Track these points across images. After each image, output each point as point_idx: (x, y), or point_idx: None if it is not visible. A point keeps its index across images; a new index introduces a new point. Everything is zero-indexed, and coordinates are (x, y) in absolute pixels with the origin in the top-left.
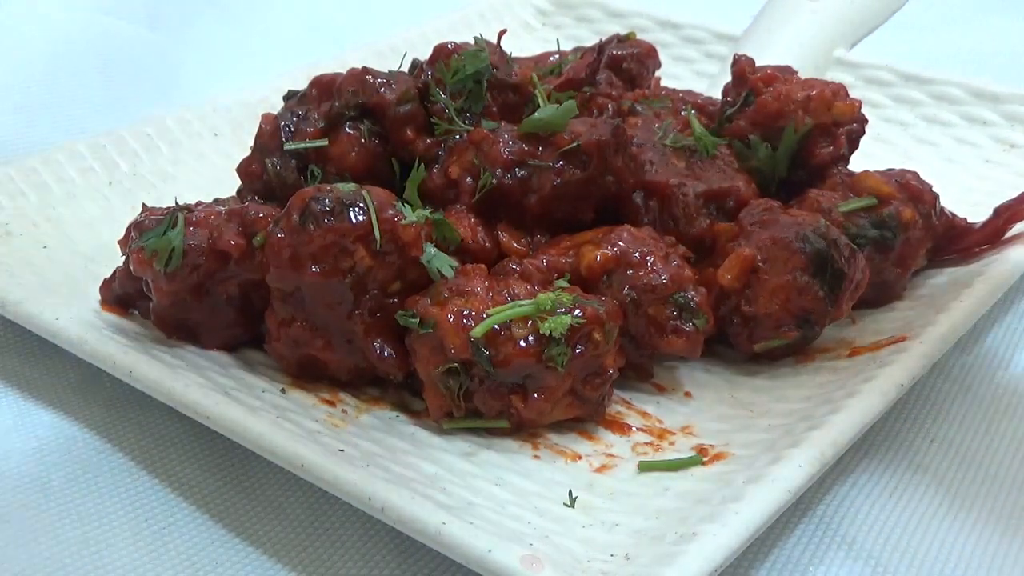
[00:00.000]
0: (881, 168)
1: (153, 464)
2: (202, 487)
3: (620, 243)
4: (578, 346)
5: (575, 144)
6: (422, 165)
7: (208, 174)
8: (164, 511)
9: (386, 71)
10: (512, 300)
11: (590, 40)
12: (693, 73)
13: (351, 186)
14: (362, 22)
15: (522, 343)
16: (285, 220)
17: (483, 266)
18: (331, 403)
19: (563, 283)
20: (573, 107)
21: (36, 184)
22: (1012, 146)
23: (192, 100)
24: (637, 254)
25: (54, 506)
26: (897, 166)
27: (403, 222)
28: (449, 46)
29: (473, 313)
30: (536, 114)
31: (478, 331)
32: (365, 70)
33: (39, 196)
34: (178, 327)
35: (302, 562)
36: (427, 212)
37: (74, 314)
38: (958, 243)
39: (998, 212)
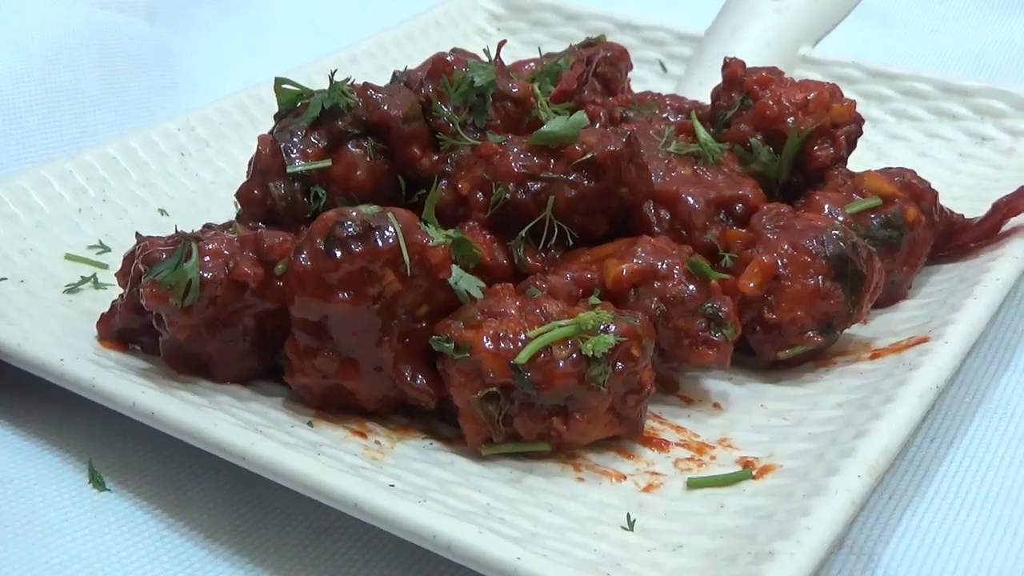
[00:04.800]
0: (858, 168)
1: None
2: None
3: (643, 255)
4: (618, 363)
5: (589, 156)
6: (440, 183)
7: (178, 196)
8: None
9: (384, 85)
10: (546, 319)
11: (548, 44)
12: (656, 75)
13: (374, 208)
14: (361, 18)
15: (562, 364)
16: (308, 246)
17: (511, 285)
18: (362, 434)
19: (595, 299)
20: (584, 119)
21: (4, 215)
22: (984, 139)
23: (192, 95)
24: (663, 265)
25: None
26: (872, 163)
27: (431, 244)
28: (448, 58)
29: (511, 335)
30: (547, 126)
31: (523, 356)
32: (367, 86)
33: (7, 227)
34: (189, 362)
35: None
36: (448, 232)
37: (78, 353)
38: (956, 240)
39: (997, 207)
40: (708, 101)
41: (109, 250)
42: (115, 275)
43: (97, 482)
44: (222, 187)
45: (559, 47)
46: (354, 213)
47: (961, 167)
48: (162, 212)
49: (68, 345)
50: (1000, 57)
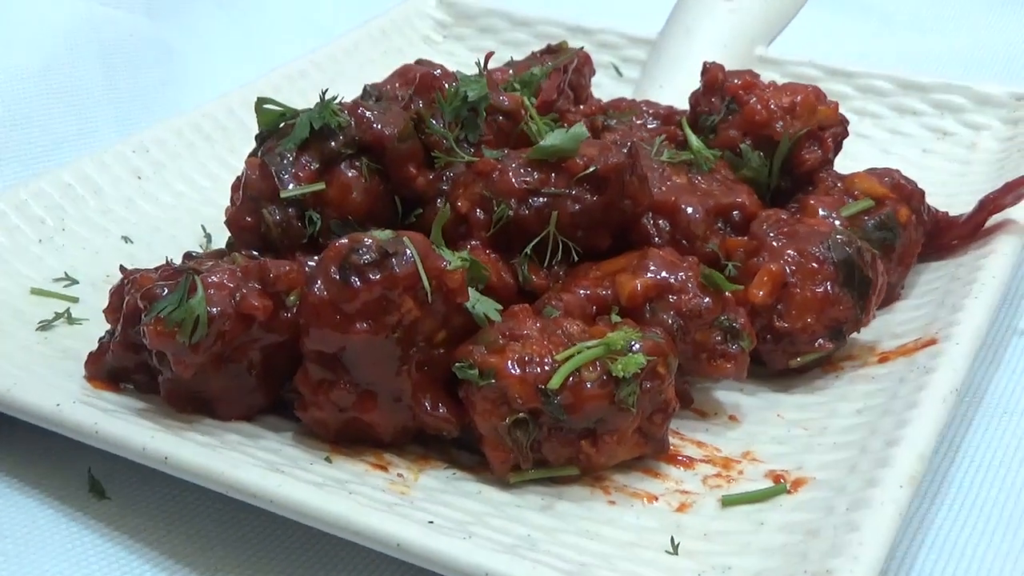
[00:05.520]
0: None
1: None
2: None
3: (655, 268)
4: (645, 382)
5: (592, 169)
6: (447, 205)
7: (141, 222)
8: None
9: (373, 103)
10: (568, 340)
11: (497, 50)
12: (611, 79)
13: (388, 233)
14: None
15: (591, 386)
16: (323, 276)
17: (528, 306)
18: (383, 468)
19: (616, 317)
20: (584, 131)
21: None
22: (945, 134)
23: (193, 90)
24: (676, 279)
25: None
26: (838, 163)
27: (448, 268)
28: (436, 73)
29: (536, 358)
30: (546, 140)
31: (555, 382)
32: (358, 104)
33: None
34: (191, 400)
35: None
36: (461, 254)
37: (72, 396)
38: (942, 238)
39: (983, 205)
40: (674, 104)
41: (76, 282)
42: (104, 312)
43: (97, 491)
44: (184, 211)
45: (508, 53)
46: (368, 239)
47: (925, 163)
48: (126, 239)
49: (59, 387)
50: (1000, 56)
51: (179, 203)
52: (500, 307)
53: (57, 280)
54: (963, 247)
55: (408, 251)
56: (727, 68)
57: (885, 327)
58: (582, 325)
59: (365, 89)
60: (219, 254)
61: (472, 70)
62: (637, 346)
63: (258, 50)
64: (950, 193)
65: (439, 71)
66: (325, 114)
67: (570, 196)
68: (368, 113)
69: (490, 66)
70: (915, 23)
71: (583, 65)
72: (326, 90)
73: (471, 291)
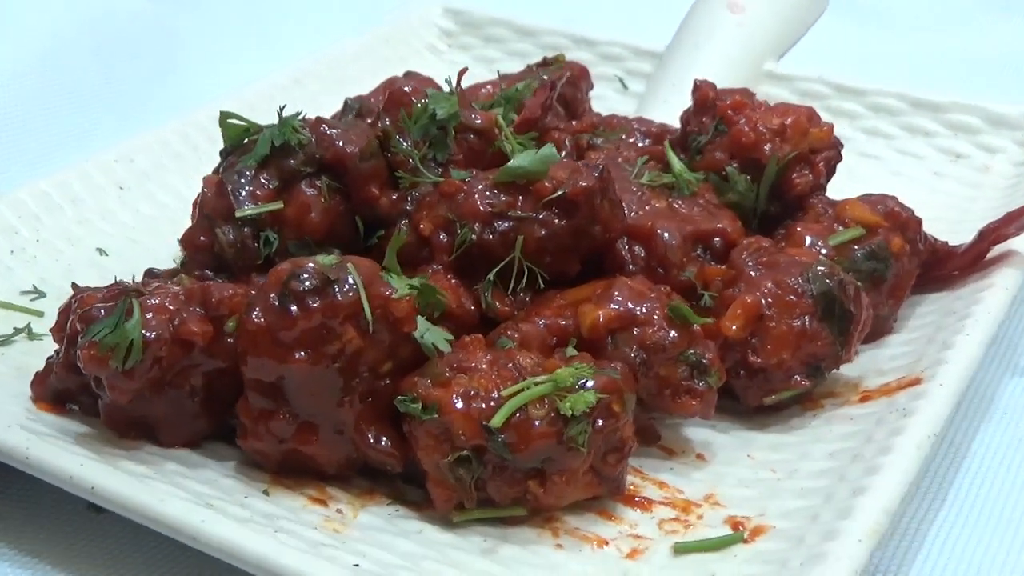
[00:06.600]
0: (830, 189)
1: None
2: None
3: (620, 299)
4: (598, 420)
5: (560, 192)
6: (402, 229)
7: (118, 233)
8: None
9: (339, 120)
10: (519, 374)
11: (502, 61)
12: (616, 92)
13: (331, 258)
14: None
15: (539, 424)
16: (261, 302)
17: (481, 336)
18: (322, 502)
19: (572, 351)
20: (554, 153)
21: None
22: (958, 156)
23: (195, 79)
24: (642, 310)
25: None
26: (843, 184)
27: (395, 296)
28: (407, 88)
29: (482, 392)
30: (513, 161)
31: (497, 419)
32: (320, 120)
33: None
34: (133, 425)
35: None
36: (412, 280)
37: (9, 419)
38: (940, 268)
39: (983, 235)
40: (675, 123)
41: (44, 295)
42: (50, 330)
43: (95, 506)
44: (164, 222)
45: (513, 63)
46: (310, 264)
47: (936, 186)
48: (100, 252)
49: (2, 410)
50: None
51: (160, 215)
52: (451, 337)
53: (24, 292)
54: (963, 278)
55: (350, 278)
56: (733, 84)
57: (872, 363)
58: (537, 358)
59: (346, 102)
60: (174, 275)
61: (478, 80)
62: (590, 383)
63: (262, 40)
64: (960, 219)
65: (409, 86)
66: (285, 131)
67: (537, 220)
68: (330, 130)
69: (486, 79)
70: (916, 24)
71: (579, 79)
72: (283, 106)
73: (421, 320)
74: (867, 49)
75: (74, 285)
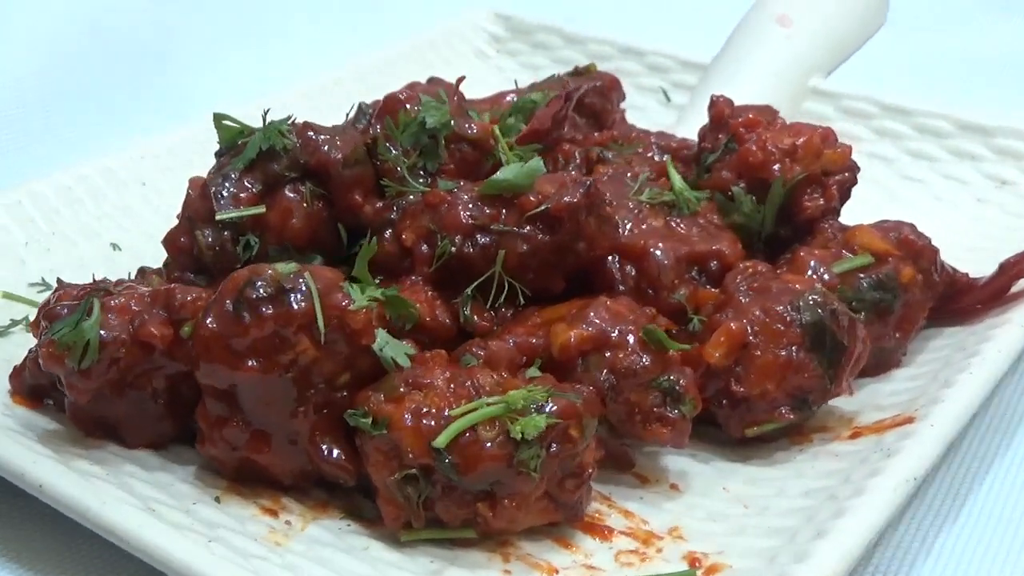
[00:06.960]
0: (868, 212)
1: None
2: None
3: (596, 320)
4: (553, 444)
5: (544, 207)
6: (374, 239)
7: (134, 228)
8: None
9: (330, 125)
10: (477, 393)
11: (548, 68)
12: (659, 104)
13: (291, 266)
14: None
15: (489, 446)
16: (216, 308)
17: (443, 353)
18: (273, 512)
19: (535, 372)
20: (540, 166)
21: None
22: (1004, 183)
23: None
24: (615, 333)
25: None
26: (883, 205)
27: (351, 307)
28: (402, 95)
29: (433, 410)
30: (498, 174)
31: (441, 440)
32: (307, 125)
33: None
34: (97, 425)
35: None
36: (379, 291)
37: None
38: (958, 301)
39: (1004, 268)
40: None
41: (51, 288)
42: (30, 325)
43: None
44: None
45: (559, 71)
46: (269, 271)
47: (980, 213)
48: (114, 246)
49: None
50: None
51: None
52: (413, 352)
53: (33, 285)
54: (985, 312)
55: (305, 287)
56: (775, 99)
57: (871, 398)
58: (497, 377)
59: (360, 107)
60: (157, 272)
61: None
62: (548, 406)
63: (262, 36)
64: (1001, 249)
65: (404, 93)
66: (271, 135)
67: (519, 235)
68: (315, 136)
69: (522, 84)
70: (916, 24)
71: (609, 90)
72: (267, 110)
73: (381, 333)
74: (867, 49)
75: (59, 280)
